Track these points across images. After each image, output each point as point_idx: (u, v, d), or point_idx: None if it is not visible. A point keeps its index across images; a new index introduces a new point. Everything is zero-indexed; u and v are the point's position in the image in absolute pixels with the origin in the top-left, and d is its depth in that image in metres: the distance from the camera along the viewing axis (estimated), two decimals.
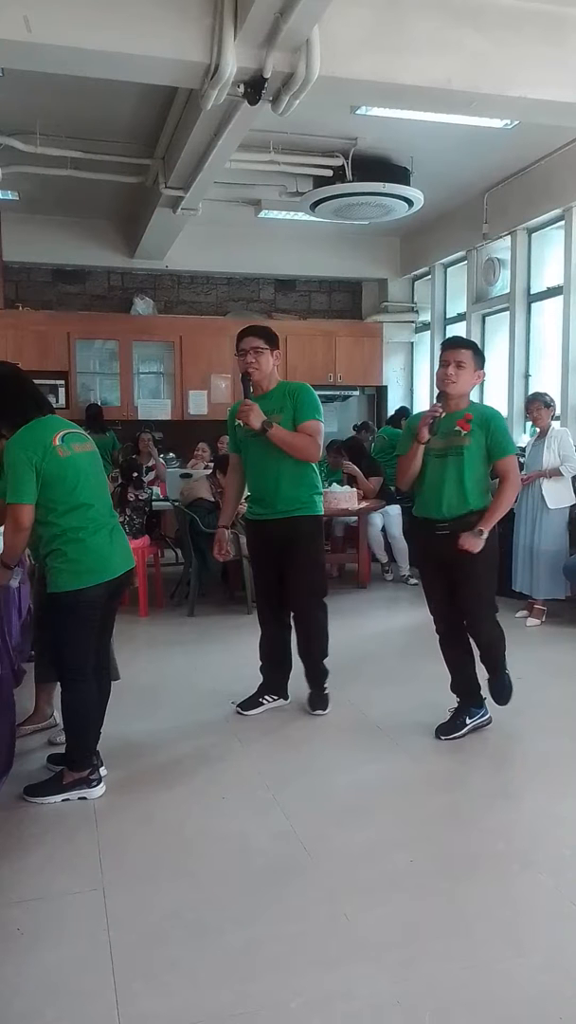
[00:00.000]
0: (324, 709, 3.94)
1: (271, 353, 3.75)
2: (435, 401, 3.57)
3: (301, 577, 3.86)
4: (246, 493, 4.04)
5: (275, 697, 4.02)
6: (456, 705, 3.69)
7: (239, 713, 3.94)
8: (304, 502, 3.79)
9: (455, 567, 3.49)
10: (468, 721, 3.63)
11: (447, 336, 8.90)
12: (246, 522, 4.04)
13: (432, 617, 3.72)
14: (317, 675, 3.98)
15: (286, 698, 4.05)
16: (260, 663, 4.05)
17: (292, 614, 3.98)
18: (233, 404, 3.88)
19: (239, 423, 3.71)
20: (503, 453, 3.48)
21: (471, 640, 3.67)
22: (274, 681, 4.03)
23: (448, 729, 3.61)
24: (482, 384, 8.27)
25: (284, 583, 3.90)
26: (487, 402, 8.24)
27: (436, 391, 3.58)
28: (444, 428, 3.46)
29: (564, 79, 4.52)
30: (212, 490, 5.96)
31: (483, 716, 3.68)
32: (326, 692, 3.99)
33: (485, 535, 3.42)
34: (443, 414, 3.45)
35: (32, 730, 3.68)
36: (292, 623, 4.00)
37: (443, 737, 3.58)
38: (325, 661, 3.98)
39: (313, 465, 3.84)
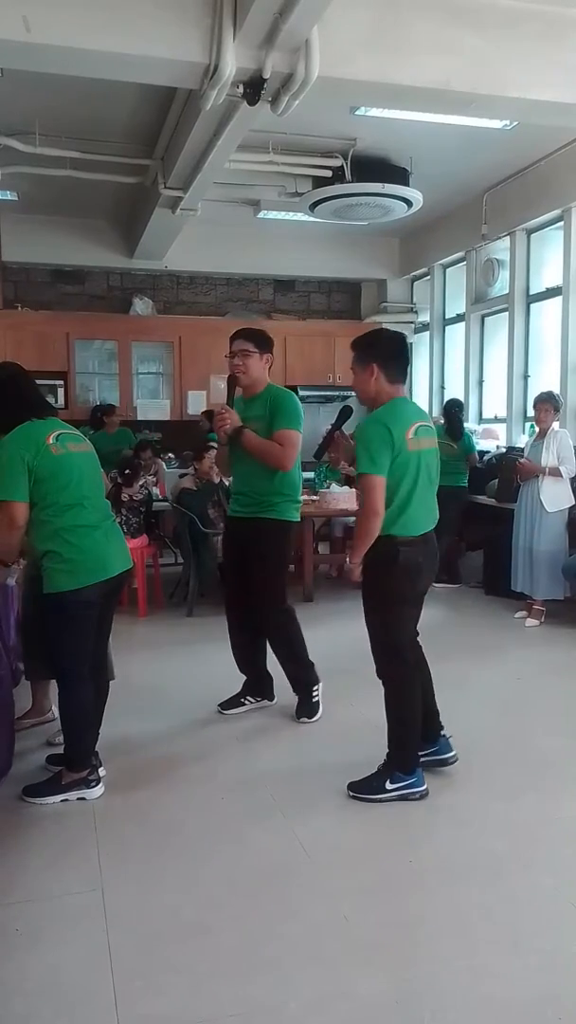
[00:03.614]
0: (309, 717, 3.82)
1: (261, 357, 3.69)
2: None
3: (259, 583, 3.74)
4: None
5: (258, 698, 3.99)
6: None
7: (220, 712, 3.92)
8: (273, 504, 3.70)
9: None
10: (390, 786, 3.06)
11: (446, 336, 8.97)
12: (228, 521, 3.99)
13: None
14: (298, 681, 3.86)
15: (271, 699, 4.00)
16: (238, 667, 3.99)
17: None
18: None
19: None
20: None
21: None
22: (256, 684, 3.99)
23: (360, 787, 3.08)
24: (482, 386, 8.33)
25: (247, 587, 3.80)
26: (486, 404, 8.26)
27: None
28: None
29: (564, 79, 4.51)
30: (195, 481, 6.03)
31: (416, 785, 3.06)
32: (315, 700, 3.86)
33: None
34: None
35: (32, 724, 3.68)
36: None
37: (352, 793, 3.08)
38: (312, 668, 3.87)
39: (293, 471, 3.71)
